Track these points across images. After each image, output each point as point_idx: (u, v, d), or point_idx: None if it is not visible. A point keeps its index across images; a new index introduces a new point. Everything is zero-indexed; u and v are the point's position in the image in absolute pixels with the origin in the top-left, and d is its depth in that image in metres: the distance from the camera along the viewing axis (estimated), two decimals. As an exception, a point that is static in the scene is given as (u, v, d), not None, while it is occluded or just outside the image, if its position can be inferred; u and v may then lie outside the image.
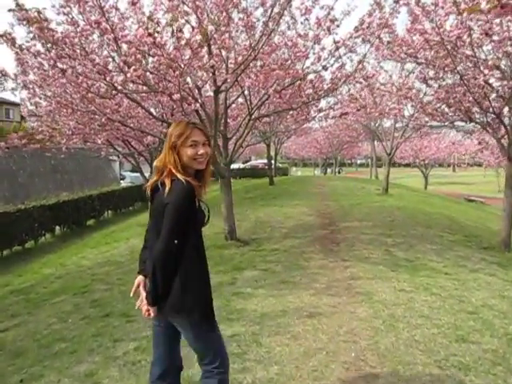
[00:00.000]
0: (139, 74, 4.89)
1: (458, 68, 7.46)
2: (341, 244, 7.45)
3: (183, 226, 1.96)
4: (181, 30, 4.85)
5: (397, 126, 14.89)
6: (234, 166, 44.73)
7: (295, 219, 9.93)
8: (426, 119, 9.01)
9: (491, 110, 7.52)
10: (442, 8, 6.29)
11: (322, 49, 6.51)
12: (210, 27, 5.16)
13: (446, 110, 8.96)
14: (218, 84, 6.29)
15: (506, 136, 8.10)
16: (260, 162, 44.18)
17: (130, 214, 17.89)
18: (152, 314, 2.02)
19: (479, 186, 37.27)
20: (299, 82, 6.59)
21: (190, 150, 2.03)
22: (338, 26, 6.11)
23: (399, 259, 6.43)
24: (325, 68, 6.58)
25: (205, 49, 5.50)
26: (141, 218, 13.31)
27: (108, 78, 5.25)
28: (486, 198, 28.46)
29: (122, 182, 25.41)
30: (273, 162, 21.79)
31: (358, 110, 7.87)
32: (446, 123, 8.97)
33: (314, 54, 6.50)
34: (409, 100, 9.06)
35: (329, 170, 42.24)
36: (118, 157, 17.69)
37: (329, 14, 6.09)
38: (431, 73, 8.33)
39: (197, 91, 6.35)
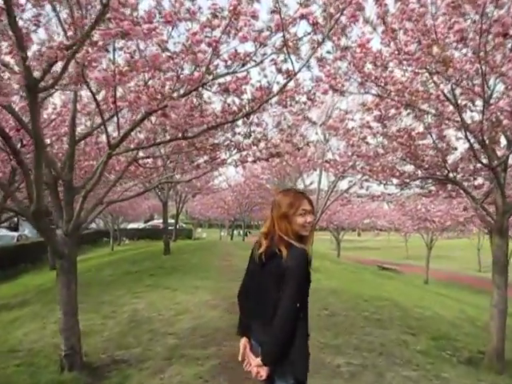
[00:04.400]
0: None
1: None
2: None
3: (303, 289, 2.09)
4: None
5: (323, 187, 12.62)
6: (132, 225, 40.87)
7: (192, 316, 6.57)
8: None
9: (485, 161, 5.16)
10: None
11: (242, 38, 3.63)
12: None
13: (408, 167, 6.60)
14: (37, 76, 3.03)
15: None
16: (158, 221, 41.21)
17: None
18: (264, 376, 2.08)
19: (386, 252, 36.95)
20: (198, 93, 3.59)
21: (300, 219, 2.15)
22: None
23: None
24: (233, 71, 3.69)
25: None
26: None
27: None
28: (396, 264, 27.52)
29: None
30: (170, 222, 18.29)
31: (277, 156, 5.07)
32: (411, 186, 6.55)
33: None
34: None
35: (235, 232, 39.62)
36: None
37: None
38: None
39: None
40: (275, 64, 3.47)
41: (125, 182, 8.19)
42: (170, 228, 25.72)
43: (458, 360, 5.63)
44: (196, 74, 3.65)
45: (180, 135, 3.86)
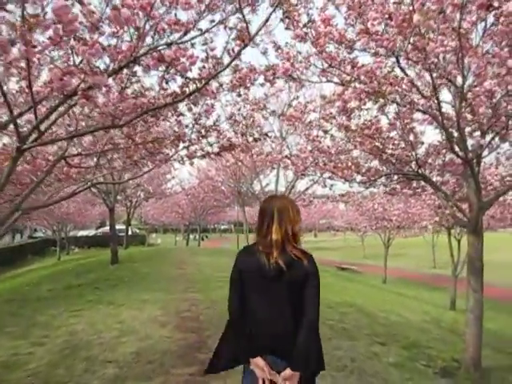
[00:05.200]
0: None
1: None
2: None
3: None
4: None
5: (281, 189, 12.02)
6: (82, 232, 38.83)
7: (138, 337, 5.73)
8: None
9: (462, 153, 4.68)
10: None
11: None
12: None
13: (373, 163, 6.08)
14: None
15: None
16: (116, 227, 39.27)
17: None
18: None
19: (343, 252, 37.01)
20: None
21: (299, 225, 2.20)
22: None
23: None
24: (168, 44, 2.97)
25: None
26: None
27: None
28: (354, 264, 27.50)
29: None
30: (122, 228, 17.16)
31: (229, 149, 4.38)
32: (377, 183, 6.01)
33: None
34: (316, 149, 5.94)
35: (191, 237, 38.53)
36: None
37: None
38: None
39: None
40: (226, 27, 2.76)
41: (66, 185, 7.21)
42: (122, 234, 24.46)
43: (433, 371, 5.16)
44: (126, 45, 2.89)
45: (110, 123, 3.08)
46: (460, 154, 4.69)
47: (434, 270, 26.07)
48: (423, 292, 18.44)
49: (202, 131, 3.75)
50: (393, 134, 5.43)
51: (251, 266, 2.12)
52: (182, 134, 3.77)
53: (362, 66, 4.79)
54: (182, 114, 3.57)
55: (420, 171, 5.42)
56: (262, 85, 3.75)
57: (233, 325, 2.22)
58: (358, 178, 6.17)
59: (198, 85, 2.88)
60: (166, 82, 2.89)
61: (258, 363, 2.11)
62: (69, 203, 21.80)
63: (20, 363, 4.94)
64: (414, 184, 7.14)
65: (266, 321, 2.11)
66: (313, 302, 2.05)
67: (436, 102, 4.36)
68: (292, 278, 2.05)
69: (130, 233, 39.49)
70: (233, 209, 37.21)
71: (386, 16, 4.03)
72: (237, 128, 4.22)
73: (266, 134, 4.33)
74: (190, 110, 3.53)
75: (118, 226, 34.30)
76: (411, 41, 3.91)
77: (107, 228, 42.19)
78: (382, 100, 4.57)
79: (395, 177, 6.65)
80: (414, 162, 5.45)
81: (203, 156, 4.00)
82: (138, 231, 45.81)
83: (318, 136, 6.37)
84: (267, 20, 2.92)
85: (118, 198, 17.10)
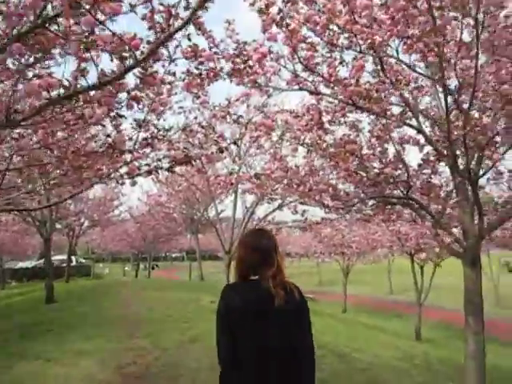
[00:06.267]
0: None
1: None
2: None
3: None
4: None
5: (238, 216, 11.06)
6: (22, 264, 35.83)
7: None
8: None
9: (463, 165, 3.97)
10: None
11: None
12: None
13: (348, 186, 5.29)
14: None
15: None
16: (60, 257, 37.09)
17: None
18: None
19: (298, 279, 36.26)
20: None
21: None
22: None
23: None
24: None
25: None
26: None
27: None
28: (311, 292, 26.75)
29: None
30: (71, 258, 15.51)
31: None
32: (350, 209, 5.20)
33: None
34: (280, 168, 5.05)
35: (142, 266, 36.46)
36: None
37: None
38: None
39: None
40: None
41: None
42: (70, 265, 22.34)
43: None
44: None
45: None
46: (460, 172, 3.98)
47: (391, 296, 25.81)
48: (385, 321, 17.89)
49: (148, 138, 2.77)
50: (377, 150, 4.68)
51: (246, 300, 1.92)
52: (120, 142, 2.76)
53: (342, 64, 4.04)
54: (119, 115, 2.58)
55: (408, 194, 4.68)
56: (230, 76, 2.85)
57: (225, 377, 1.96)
58: (332, 202, 5.37)
59: (139, 56, 1.92)
60: (87, 50, 1.90)
61: None
62: (2, 232, 19.73)
63: None
64: (388, 209, 6.48)
65: (269, 367, 1.87)
66: (310, 339, 1.96)
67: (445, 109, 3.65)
68: (288, 310, 1.92)
69: (74, 263, 36.92)
70: (184, 236, 35.78)
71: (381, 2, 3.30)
72: (193, 139, 3.29)
73: (235, 142, 3.43)
74: (129, 107, 2.56)
75: (61, 257, 31.85)
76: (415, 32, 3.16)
77: (52, 258, 39.30)
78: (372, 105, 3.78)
79: (370, 202, 5.94)
80: (402, 183, 4.71)
81: (149, 173, 2.99)
82: (83, 261, 43.17)
83: (285, 155, 5.55)
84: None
85: (58, 226, 15.48)
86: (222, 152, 3.02)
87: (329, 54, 3.99)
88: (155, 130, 2.88)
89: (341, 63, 4.03)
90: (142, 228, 23.24)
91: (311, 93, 4.48)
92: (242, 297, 1.92)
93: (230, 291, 2.00)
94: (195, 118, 3.84)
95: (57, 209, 11.46)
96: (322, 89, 4.43)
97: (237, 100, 3.84)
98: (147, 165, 2.92)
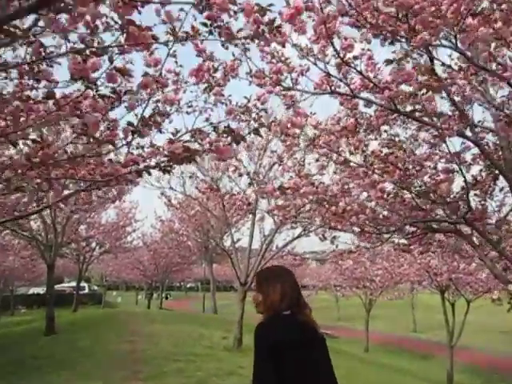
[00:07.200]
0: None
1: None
2: None
3: None
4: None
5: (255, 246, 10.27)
6: (34, 290, 35.17)
7: None
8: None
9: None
10: None
11: None
12: None
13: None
14: None
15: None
16: (67, 285, 36.65)
17: None
18: None
19: (316, 313, 34.68)
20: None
21: None
22: None
23: None
24: None
25: None
26: None
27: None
28: (329, 328, 25.39)
29: None
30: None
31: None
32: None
33: None
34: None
35: (155, 295, 35.49)
36: None
37: None
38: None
39: None
40: None
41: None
42: (81, 292, 21.52)
43: None
44: None
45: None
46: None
47: (415, 334, 24.31)
48: (411, 362, 16.58)
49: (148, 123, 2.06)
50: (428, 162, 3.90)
51: (294, 331, 1.89)
52: (93, 124, 2.04)
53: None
54: (103, 95, 1.89)
55: (465, 218, 3.85)
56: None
57: None
58: (369, 228, 4.55)
59: None
60: None
61: None
62: (13, 257, 19.20)
63: None
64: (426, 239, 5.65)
65: None
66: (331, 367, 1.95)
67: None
68: (320, 341, 1.97)
69: (86, 291, 36.14)
70: (199, 265, 34.91)
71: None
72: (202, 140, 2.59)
73: (257, 130, 2.70)
74: (116, 96, 1.85)
75: (74, 283, 31.12)
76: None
77: (64, 285, 38.53)
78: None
79: (407, 229, 5.12)
80: (453, 206, 3.89)
81: (137, 173, 2.27)
82: (96, 289, 42.46)
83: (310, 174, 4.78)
84: None
85: (66, 251, 14.85)
86: (237, 143, 2.30)
87: (368, 46, 3.29)
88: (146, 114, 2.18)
89: (389, 62, 3.32)
90: (154, 256, 22.51)
91: (345, 96, 3.79)
92: (290, 329, 1.90)
93: (276, 323, 1.92)
94: (207, 119, 3.15)
95: (63, 232, 10.79)
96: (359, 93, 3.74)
97: (257, 99, 3.15)
98: (136, 163, 2.21)
